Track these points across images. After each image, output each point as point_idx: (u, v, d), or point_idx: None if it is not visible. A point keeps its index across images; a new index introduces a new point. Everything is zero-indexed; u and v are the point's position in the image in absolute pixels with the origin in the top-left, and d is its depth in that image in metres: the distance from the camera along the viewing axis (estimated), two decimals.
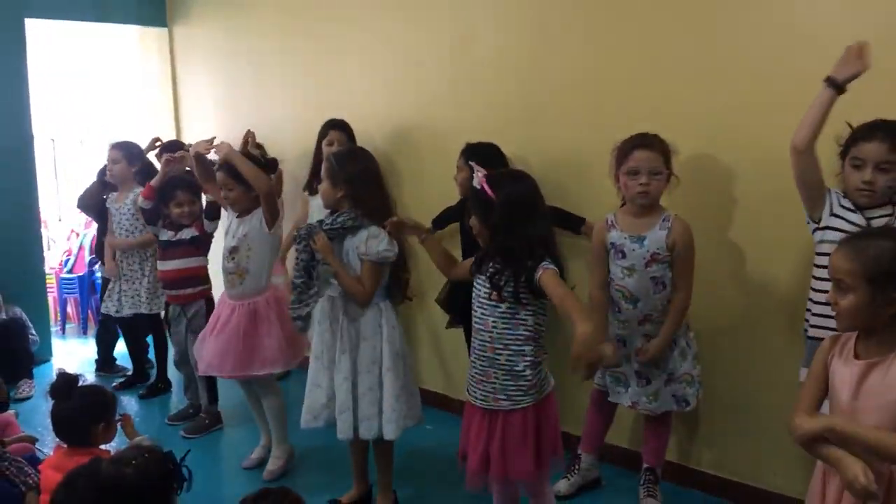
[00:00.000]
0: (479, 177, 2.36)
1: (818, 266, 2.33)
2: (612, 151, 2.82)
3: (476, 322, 2.41)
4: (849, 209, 2.31)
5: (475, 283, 2.42)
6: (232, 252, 3.34)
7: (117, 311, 4.45)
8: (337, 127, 3.97)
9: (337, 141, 3.90)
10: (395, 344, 2.89)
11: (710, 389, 3.02)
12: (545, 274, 2.24)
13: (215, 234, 3.91)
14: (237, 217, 3.38)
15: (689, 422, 3.14)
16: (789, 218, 2.64)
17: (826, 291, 2.25)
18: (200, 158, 3.44)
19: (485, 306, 2.37)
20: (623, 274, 2.79)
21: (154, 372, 4.70)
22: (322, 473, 3.45)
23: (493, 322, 2.34)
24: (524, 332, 2.33)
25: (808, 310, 2.40)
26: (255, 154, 3.61)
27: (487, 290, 2.35)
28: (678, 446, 3.18)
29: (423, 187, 4.03)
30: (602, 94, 3.21)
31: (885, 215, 2.27)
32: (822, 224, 2.33)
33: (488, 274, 2.34)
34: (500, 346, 2.35)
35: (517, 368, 2.34)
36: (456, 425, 3.61)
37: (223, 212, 3.53)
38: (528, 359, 2.34)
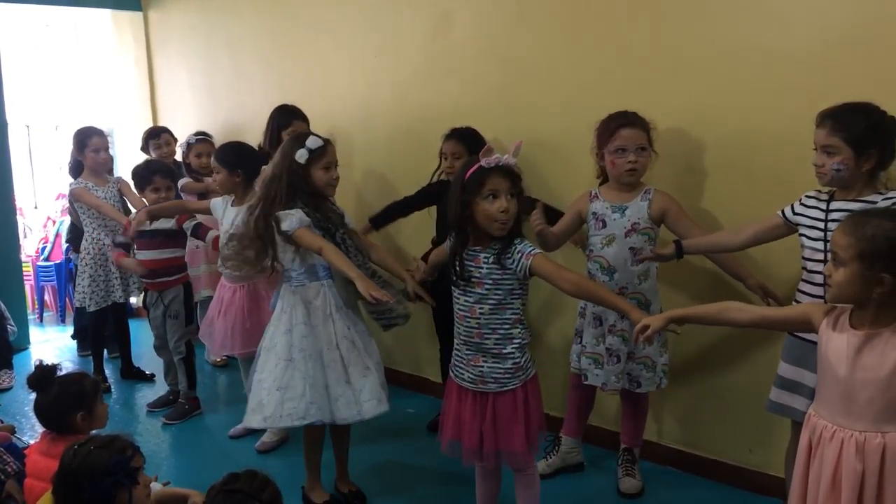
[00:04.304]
0: (513, 150, 2.29)
1: (805, 258, 2.36)
2: (594, 129, 2.84)
3: (460, 309, 2.36)
4: (808, 206, 2.35)
5: (460, 269, 2.35)
6: (230, 240, 3.33)
7: (97, 304, 4.35)
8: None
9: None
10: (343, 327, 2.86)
11: (685, 368, 3.06)
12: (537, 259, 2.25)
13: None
14: (232, 205, 3.42)
15: (666, 401, 3.18)
16: (759, 194, 2.70)
17: (813, 284, 2.31)
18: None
19: (469, 293, 2.33)
20: (602, 244, 2.82)
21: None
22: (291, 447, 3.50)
23: (480, 308, 2.31)
24: (511, 316, 2.31)
25: (797, 300, 2.42)
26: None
27: (480, 275, 2.29)
28: (655, 426, 3.22)
29: (401, 169, 4.02)
30: (579, 76, 3.22)
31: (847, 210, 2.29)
32: (798, 231, 2.39)
33: (496, 253, 2.28)
34: (488, 332, 2.32)
35: (505, 351, 2.32)
36: (434, 407, 3.68)
37: (221, 201, 3.51)
38: (517, 342, 2.32)
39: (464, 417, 2.41)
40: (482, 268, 2.29)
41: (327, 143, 2.80)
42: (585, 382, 2.95)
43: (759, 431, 2.90)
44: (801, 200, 2.39)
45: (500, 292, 2.29)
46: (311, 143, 2.74)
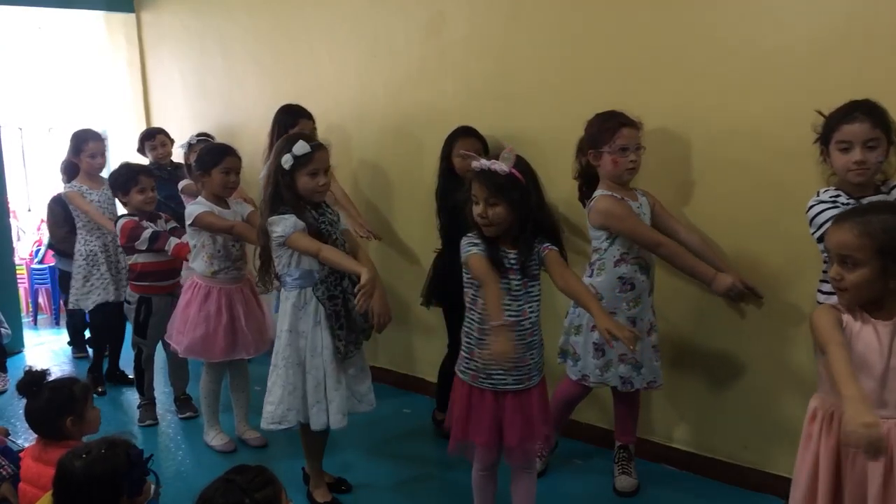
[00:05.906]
0: (510, 162, 2.25)
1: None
2: (588, 127, 2.84)
3: (511, 316, 2.31)
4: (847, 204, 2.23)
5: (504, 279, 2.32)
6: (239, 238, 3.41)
7: (94, 301, 4.34)
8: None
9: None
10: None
11: (681, 366, 3.06)
12: (552, 253, 2.31)
13: None
14: (223, 208, 3.37)
15: (662, 398, 3.18)
16: (750, 193, 2.72)
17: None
18: None
19: (518, 297, 2.32)
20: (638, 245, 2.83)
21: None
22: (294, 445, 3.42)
23: (530, 308, 2.35)
24: (538, 307, 2.39)
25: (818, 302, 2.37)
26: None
27: (519, 281, 2.32)
28: (650, 423, 3.22)
29: (395, 169, 4.02)
30: (572, 76, 3.22)
31: None
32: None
33: (521, 260, 2.30)
34: (537, 328, 2.39)
35: (539, 339, 2.41)
36: (429, 406, 3.69)
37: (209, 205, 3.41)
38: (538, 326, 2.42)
39: (484, 419, 2.39)
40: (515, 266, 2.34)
41: (315, 150, 2.68)
42: (632, 390, 2.88)
43: (755, 428, 2.90)
44: (831, 202, 2.21)
45: (535, 283, 2.36)
46: (298, 148, 2.65)
